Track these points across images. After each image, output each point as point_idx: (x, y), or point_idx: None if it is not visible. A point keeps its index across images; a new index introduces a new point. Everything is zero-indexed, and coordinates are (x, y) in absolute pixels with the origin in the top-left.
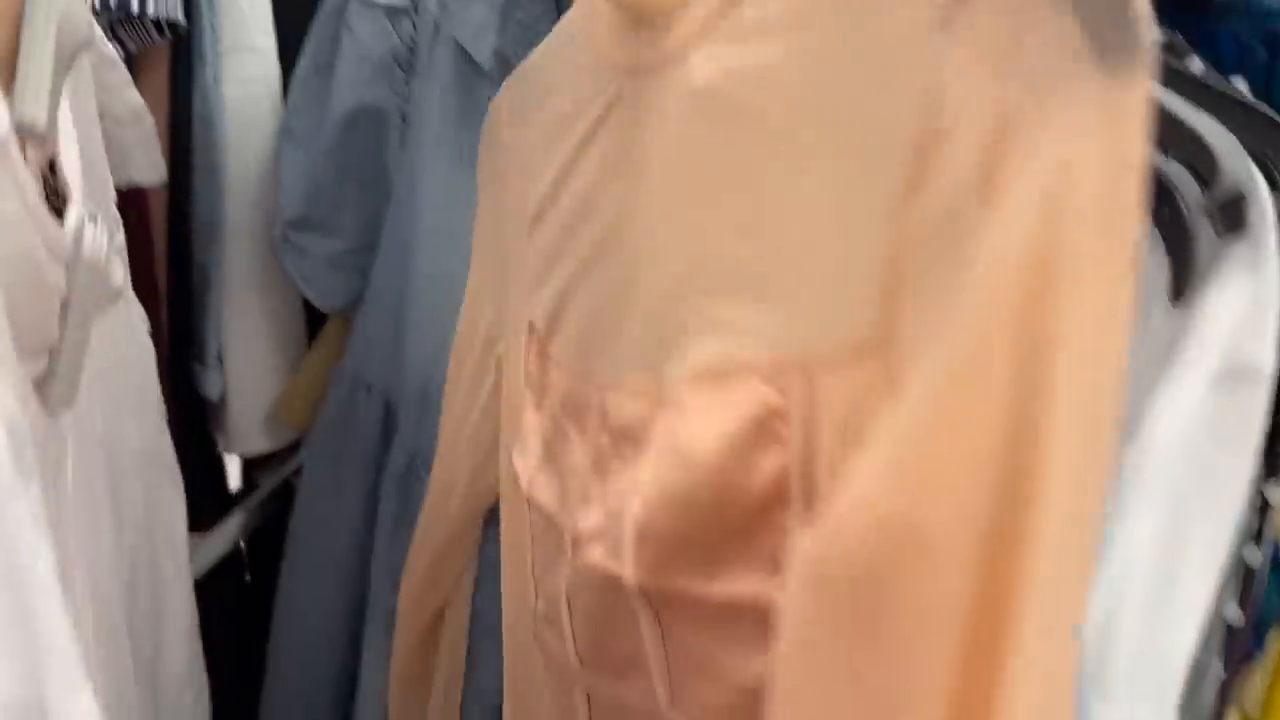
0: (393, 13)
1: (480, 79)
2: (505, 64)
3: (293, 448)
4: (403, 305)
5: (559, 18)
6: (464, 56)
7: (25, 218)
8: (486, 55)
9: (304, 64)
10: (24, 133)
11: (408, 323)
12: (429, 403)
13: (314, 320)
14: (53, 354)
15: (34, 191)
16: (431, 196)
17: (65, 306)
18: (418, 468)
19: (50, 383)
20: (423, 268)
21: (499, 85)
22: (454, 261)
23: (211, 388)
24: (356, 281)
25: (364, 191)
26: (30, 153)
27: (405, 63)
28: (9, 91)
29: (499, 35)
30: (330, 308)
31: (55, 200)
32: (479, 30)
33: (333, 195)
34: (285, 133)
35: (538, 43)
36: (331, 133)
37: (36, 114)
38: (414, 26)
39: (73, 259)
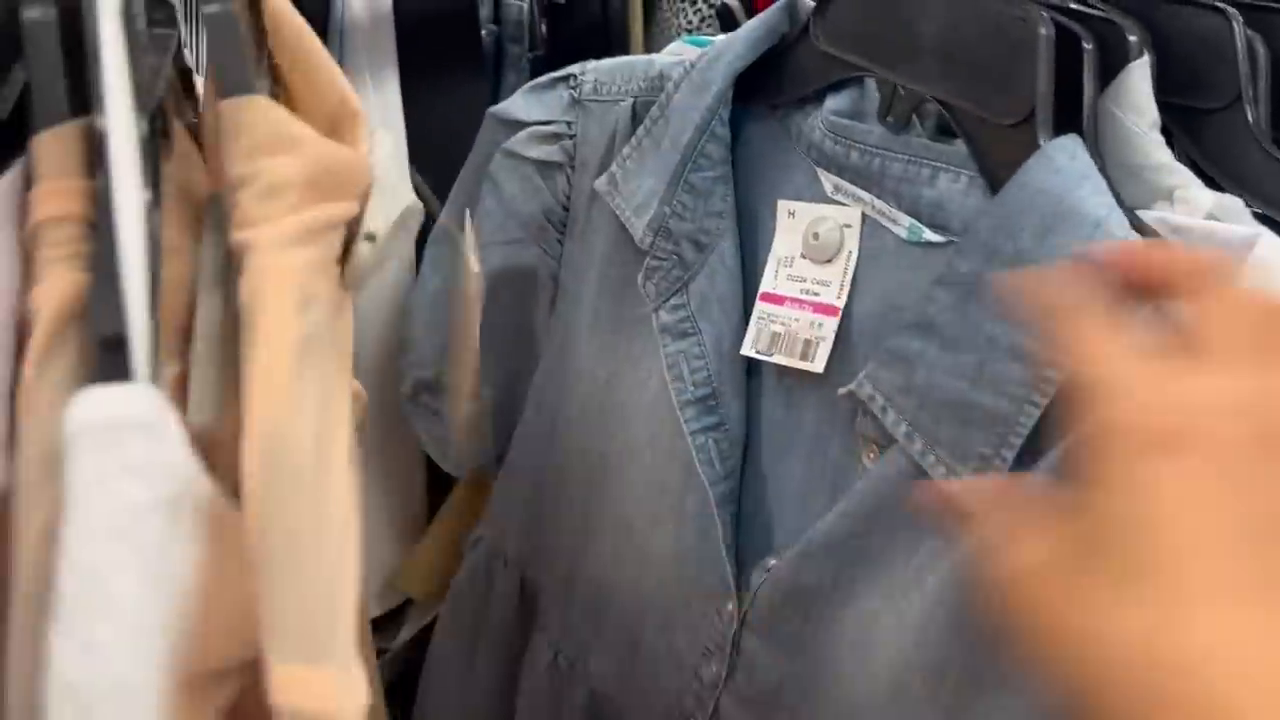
0: (545, 168)
1: (636, 256)
2: (668, 237)
3: (399, 610)
4: (546, 479)
5: (733, 182)
6: (621, 228)
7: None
8: (641, 231)
9: (443, 218)
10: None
11: (552, 499)
12: (575, 592)
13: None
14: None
15: None
16: (586, 372)
17: None
18: (563, 666)
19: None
20: (573, 444)
21: (658, 263)
22: (605, 442)
23: None
24: (489, 444)
25: (506, 353)
26: None
27: (559, 221)
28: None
29: (661, 204)
30: (460, 471)
31: None
32: (642, 204)
33: (481, 362)
34: (421, 288)
35: (709, 212)
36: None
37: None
38: (569, 183)
39: None
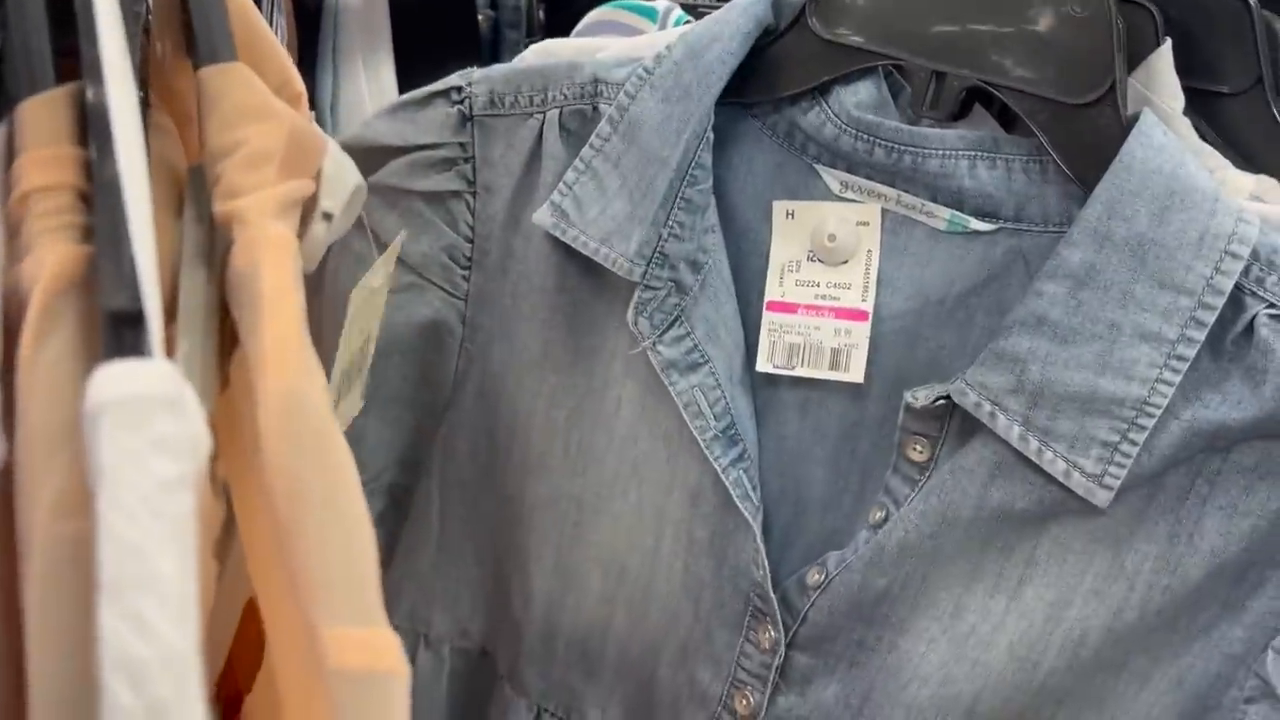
0: (435, 200)
1: (606, 287)
2: (663, 264)
3: None
4: (497, 537)
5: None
6: (569, 258)
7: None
8: (628, 261)
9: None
10: None
11: (511, 555)
12: (556, 645)
13: None
14: None
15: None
16: (538, 413)
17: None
18: None
19: None
20: (533, 492)
21: (652, 293)
22: (576, 484)
23: None
24: (377, 505)
25: (397, 412)
26: None
27: (463, 256)
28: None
29: (653, 227)
30: None
31: None
32: (616, 231)
33: (354, 428)
34: None
35: (705, 228)
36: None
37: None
38: (471, 212)
39: None
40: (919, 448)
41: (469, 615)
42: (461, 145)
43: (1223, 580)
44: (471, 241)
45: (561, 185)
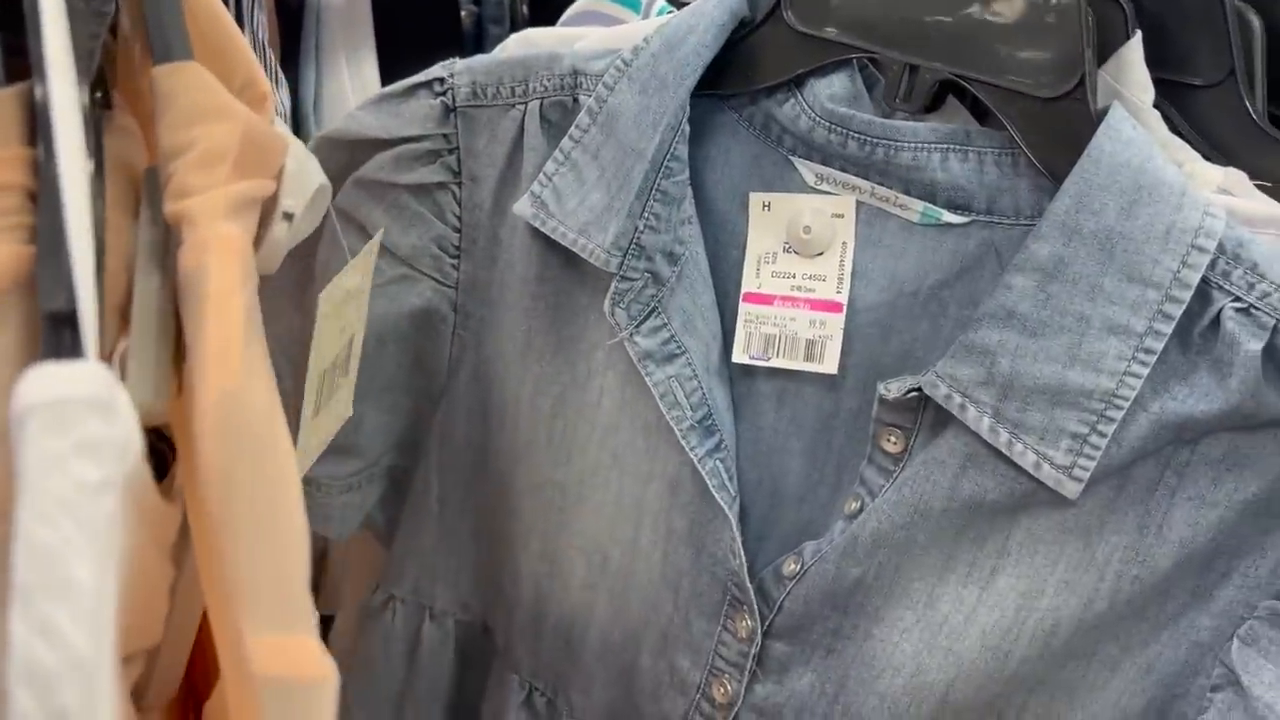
0: (423, 192)
1: (585, 278)
2: (640, 255)
3: None
4: (488, 519)
5: (698, 183)
6: (550, 248)
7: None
8: (605, 252)
9: (274, 291)
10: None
11: (501, 538)
12: (544, 627)
13: None
14: (150, 654)
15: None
16: (525, 401)
17: (172, 594)
18: (539, 703)
19: (147, 685)
20: (520, 477)
21: (629, 284)
22: (560, 471)
23: None
24: (376, 490)
25: (394, 399)
26: None
27: (452, 246)
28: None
29: (629, 218)
30: (345, 534)
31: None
32: (593, 222)
33: (353, 415)
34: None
35: (681, 219)
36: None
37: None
38: (458, 202)
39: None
40: (893, 439)
41: (469, 591)
42: (445, 137)
43: (1191, 570)
44: (459, 231)
45: (541, 176)
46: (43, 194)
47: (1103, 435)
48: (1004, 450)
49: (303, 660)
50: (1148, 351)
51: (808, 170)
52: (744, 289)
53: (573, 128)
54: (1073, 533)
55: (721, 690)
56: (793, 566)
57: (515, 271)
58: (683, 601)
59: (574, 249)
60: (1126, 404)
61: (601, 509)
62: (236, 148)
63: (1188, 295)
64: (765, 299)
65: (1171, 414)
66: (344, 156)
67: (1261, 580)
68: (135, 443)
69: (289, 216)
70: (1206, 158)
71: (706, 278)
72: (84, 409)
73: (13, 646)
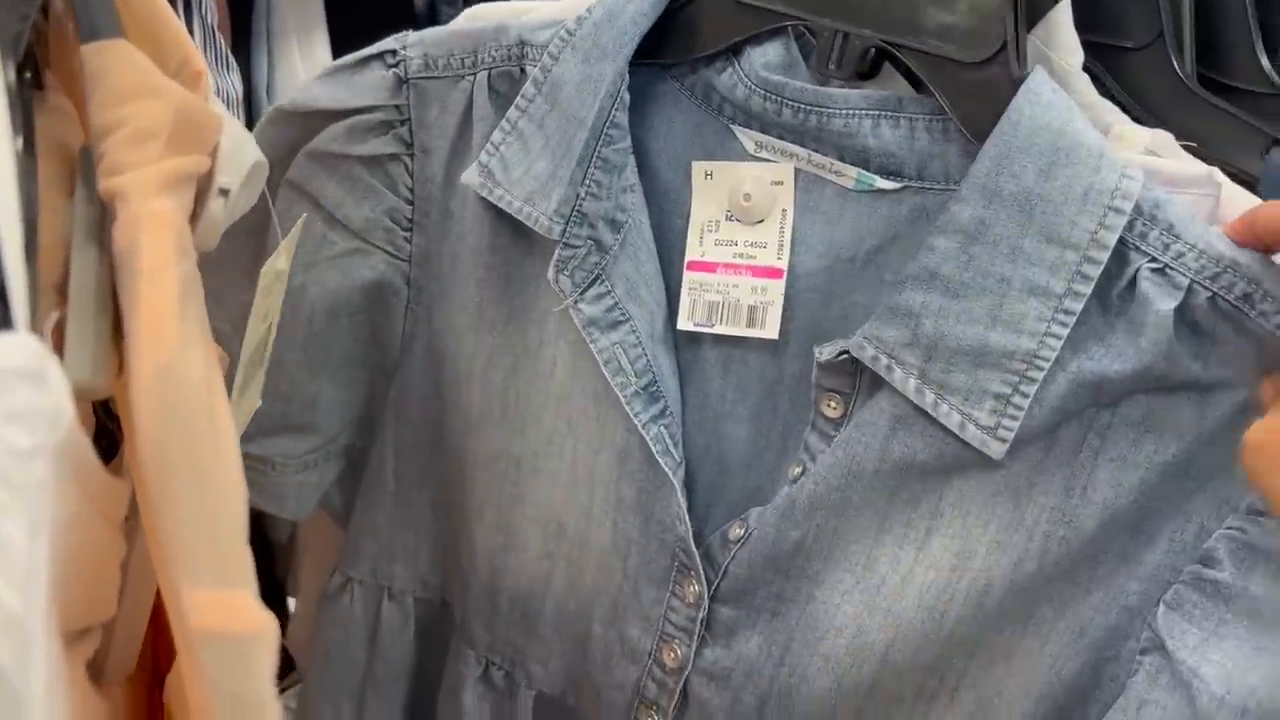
0: (375, 163)
1: (532, 247)
2: (582, 222)
3: None
4: (443, 494)
5: (640, 157)
6: (499, 218)
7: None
8: (548, 219)
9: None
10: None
11: (457, 512)
12: (499, 600)
13: None
14: (107, 629)
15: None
16: (476, 374)
17: (125, 569)
18: (496, 677)
19: (105, 659)
20: (474, 450)
21: (572, 251)
22: (515, 442)
23: None
24: (333, 469)
25: (350, 373)
26: None
27: (405, 218)
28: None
29: (571, 185)
30: (302, 515)
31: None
32: (538, 191)
33: (308, 392)
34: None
35: (623, 187)
36: (305, 321)
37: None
38: (409, 174)
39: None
40: (833, 404)
41: (428, 568)
42: (398, 108)
43: (1117, 533)
44: (412, 204)
45: (489, 145)
46: None
47: (1025, 396)
48: (930, 411)
49: (240, 613)
50: (1067, 312)
51: (747, 138)
52: (688, 257)
53: (519, 97)
54: (1002, 494)
55: (671, 655)
56: (738, 531)
57: (466, 243)
58: (632, 570)
59: (519, 217)
60: (1047, 364)
61: (557, 477)
62: (169, 125)
63: (1105, 256)
64: (708, 267)
65: (1089, 374)
66: (298, 129)
67: (1187, 545)
68: (67, 412)
69: (225, 193)
70: (1137, 120)
71: (650, 245)
72: (13, 378)
73: None
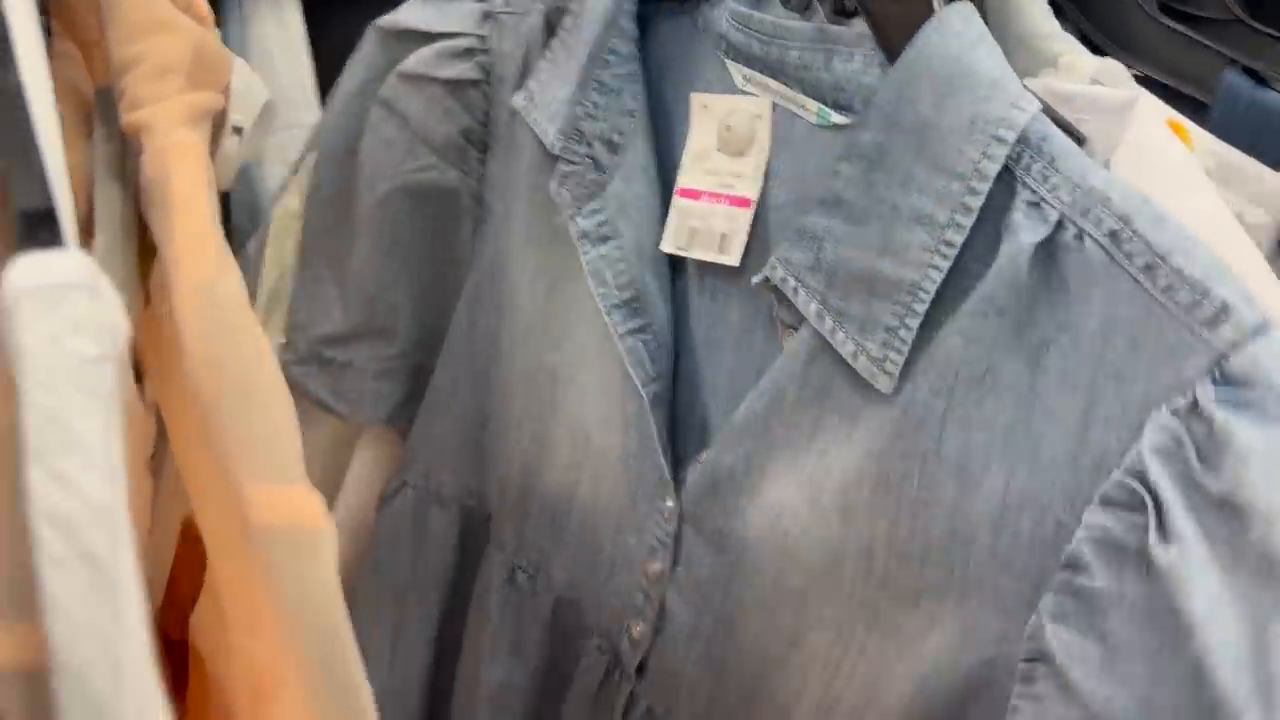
0: (458, 87)
1: (550, 164)
2: (580, 139)
3: None
4: (492, 401)
5: (646, 81)
6: (540, 141)
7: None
8: (552, 135)
9: (325, 167)
10: None
11: (500, 419)
12: (531, 506)
13: None
14: None
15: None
16: (524, 288)
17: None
18: (521, 580)
19: None
20: (519, 361)
21: (571, 168)
22: (553, 355)
23: None
24: (405, 385)
25: (427, 285)
26: None
27: (479, 141)
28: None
29: (571, 104)
30: (376, 420)
31: None
32: (555, 111)
33: (391, 297)
34: (309, 248)
35: (621, 111)
36: (389, 229)
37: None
38: (487, 100)
39: None
40: (788, 338)
41: (475, 478)
42: (481, 38)
43: (973, 509)
44: (485, 127)
45: (535, 71)
46: (4, 98)
47: (909, 329)
48: (829, 338)
49: (304, 508)
50: (948, 244)
51: (737, 72)
52: (678, 184)
53: (559, 28)
54: (891, 441)
55: (653, 568)
56: (701, 457)
57: (521, 165)
58: (632, 483)
59: (538, 133)
60: (929, 297)
61: (586, 391)
62: (188, 60)
63: (986, 187)
64: (695, 194)
65: (967, 311)
66: (393, 49)
67: (1048, 542)
68: (123, 326)
69: (238, 130)
70: (1098, 50)
71: (646, 170)
72: (74, 291)
73: (32, 494)
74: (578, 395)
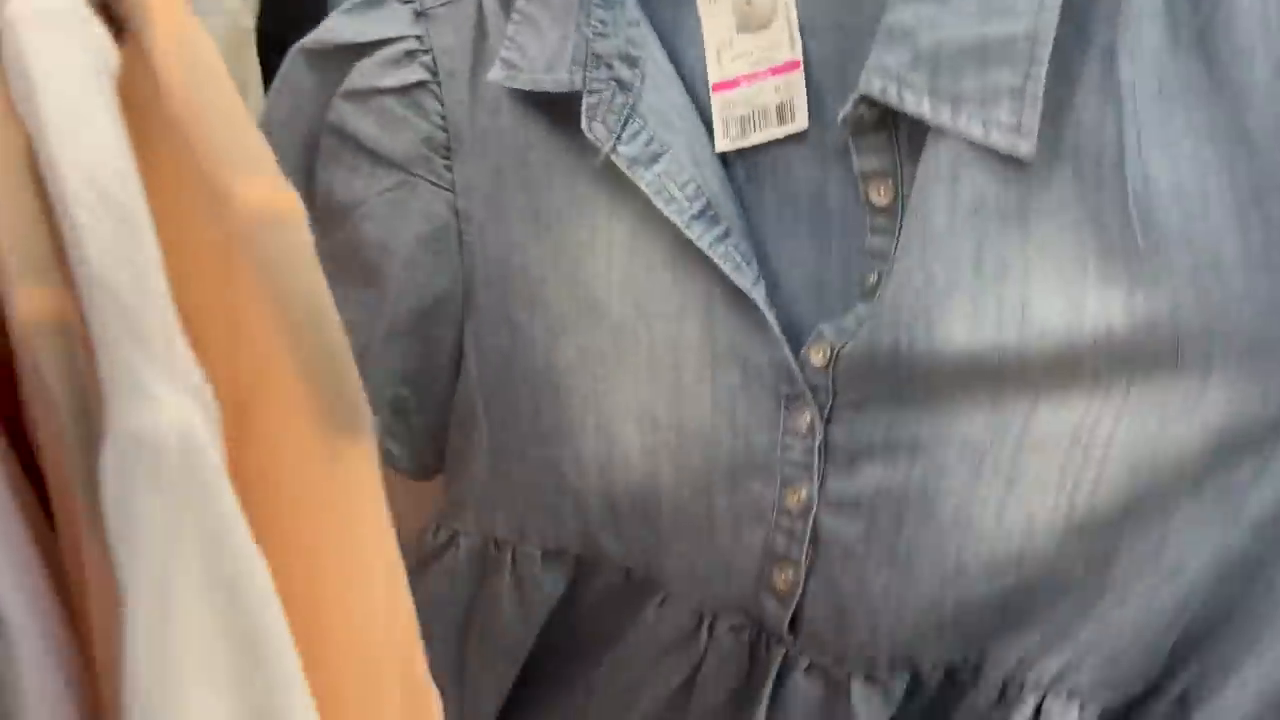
0: (406, 93)
1: (565, 114)
2: (598, 63)
3: None
4: (546, 417)
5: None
6: (531, 112)
7: None
8: (566, 71)
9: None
10: None
11: (562, 430)
12: (619, 506)
13: None
14: None
15: None
16: (548, 280)
17: None
18: (635, 578)
19: None
20: (562, 360)
21: (597, 96)
22: (596, 336)
23: None
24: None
25: (427, 322)
26: None
27: (442, 146)
28: None
29: (579, 30)
30: (427, 473)
31: None
32: (555, 54)
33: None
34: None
35: (628, 21)
36: (360, 266)
37: None
38: (440, 100)
39: None
40: (881, 190)
41: (527, 513)
42: (418, 38)
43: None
44: (445, 130)
45: (506, 41)
46: None
47: (1036, 80)
48: (950, 126)
49: (281, 194)
50: None
51: None
52: (711, 80)
53: None
54: (1080, 198)
55: (795, 497)
56: (824, 349)
57: (506, 151)
58: (740, 425)
59: (544, 89)
60: (1049, 41)
61: (638, 369)
62: None
63: None
64: (731, 84)
65: (1101, 43)
66: (329, 70)
67: None
68: (113, 52)
69: None
70: None
71: (671, 75)
72: (69, 16)
73: (48, 137)
74: (629, 377)
